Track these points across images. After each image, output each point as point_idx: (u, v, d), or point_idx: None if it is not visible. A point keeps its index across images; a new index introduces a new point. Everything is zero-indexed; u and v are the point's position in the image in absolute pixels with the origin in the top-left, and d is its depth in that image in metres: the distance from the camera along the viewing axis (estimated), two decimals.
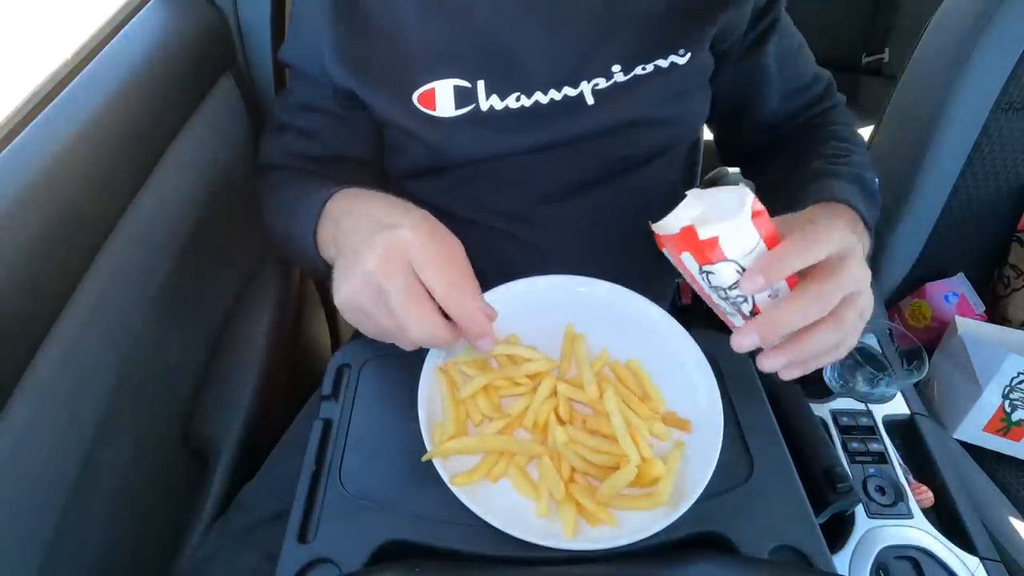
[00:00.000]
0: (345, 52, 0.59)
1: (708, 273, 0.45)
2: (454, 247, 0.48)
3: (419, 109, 0.60)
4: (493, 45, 0.59)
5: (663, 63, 0.61)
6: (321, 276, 0.54)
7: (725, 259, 0.44)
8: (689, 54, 0.61)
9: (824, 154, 0.64)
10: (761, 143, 0.75)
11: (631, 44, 0.60)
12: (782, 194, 0.58)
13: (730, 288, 0.45)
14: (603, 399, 0.49)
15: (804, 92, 0.72)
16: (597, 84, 0.61)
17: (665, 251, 0.49)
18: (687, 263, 0.46)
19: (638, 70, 0.61)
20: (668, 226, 0.47)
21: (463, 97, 0.60)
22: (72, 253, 0.52)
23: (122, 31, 0.66)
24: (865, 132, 1.44)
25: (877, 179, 0.62)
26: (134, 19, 0.69)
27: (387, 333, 0.47)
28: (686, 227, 0.43)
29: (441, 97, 0.60)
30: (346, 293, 0.46)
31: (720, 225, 0.43)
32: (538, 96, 0.60)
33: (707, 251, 0.43)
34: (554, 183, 0.65)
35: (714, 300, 0.48)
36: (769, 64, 0.67)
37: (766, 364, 0.46)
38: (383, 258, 0.44)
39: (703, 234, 0.43)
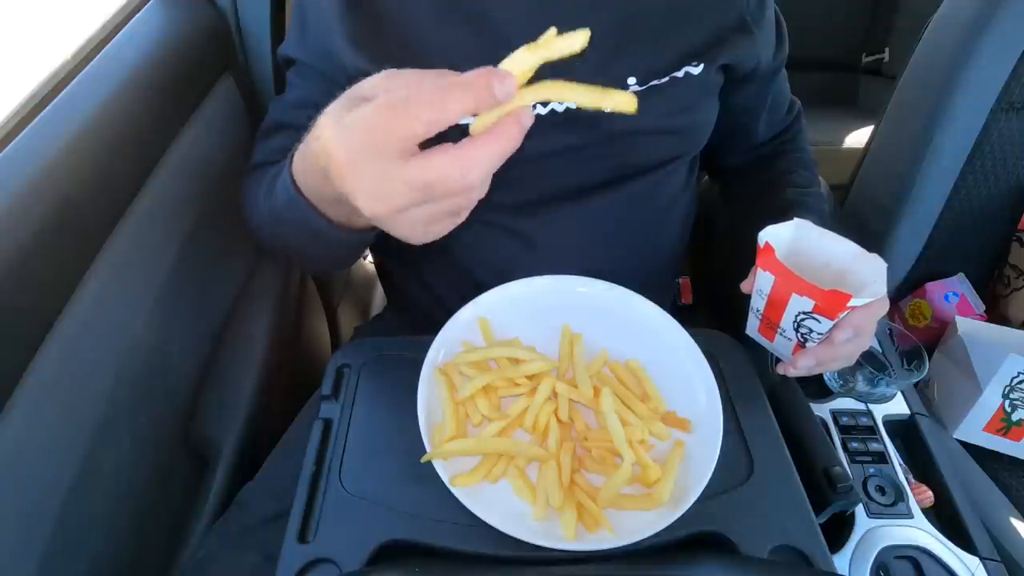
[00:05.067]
0: (358, 40, 0.58)
1: (812, 317, 0.50)
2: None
3: None
4: (509, 53, 0.59)
5: (678, 74, 0.62)
6: (323, 257, 0.50)
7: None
8: (702, 65, 0.62)
9: (796, 183, 0.72)
10: (743, 162, 0.80)
11: (648, 58, 0.61)
12: (756, 212, 0.64)
13: (819, 333, 0.51)
14: (599, 399, 0.49)
15: (784, 117, 0.78)
16: None
17: (763, 271, 0.52)
18: (796, 303, 0.50)
19: (654, 81, 0.61)
20: (803, 268, 0.50)
21: None
22: (72, 252, 0.52)
23: (122, 31, 0.66)
24: (865, 132, 1.45)
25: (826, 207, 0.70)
26: (134, 19, 0.69)
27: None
28: (838, 292, 0.47)
29: None
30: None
31: (866, 298, 0.48)
32: (554, 105, 0.60)
33: (840, 312, 0.48)
34: (559, 185, 0.65)
35: (781, 326, 0.54)
36: (774, 90, 0.72)
37: (800, 363, 0.53)
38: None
39: (856, 302, 0.47)
